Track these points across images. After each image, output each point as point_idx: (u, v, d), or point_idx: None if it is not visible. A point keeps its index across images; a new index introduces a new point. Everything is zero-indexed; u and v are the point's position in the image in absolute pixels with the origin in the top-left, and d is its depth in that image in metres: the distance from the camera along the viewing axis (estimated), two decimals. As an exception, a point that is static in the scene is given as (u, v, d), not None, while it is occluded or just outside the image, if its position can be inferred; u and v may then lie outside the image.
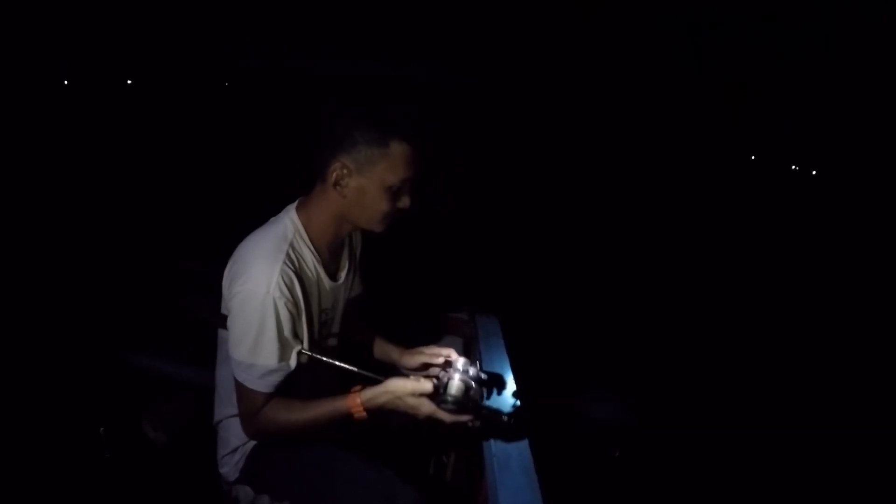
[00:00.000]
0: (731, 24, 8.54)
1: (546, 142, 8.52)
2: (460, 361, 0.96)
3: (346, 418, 0.96)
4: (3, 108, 6.67)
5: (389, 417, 0.96)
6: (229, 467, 1.10)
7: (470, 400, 0.93)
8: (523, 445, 0.96)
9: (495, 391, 1.11)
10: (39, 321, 2.01)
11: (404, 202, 1.03)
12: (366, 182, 0.98)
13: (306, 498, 1.05)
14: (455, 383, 0.92)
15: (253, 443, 1.08)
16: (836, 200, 9.22)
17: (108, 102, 9.13)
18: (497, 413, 0.95)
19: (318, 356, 0.99)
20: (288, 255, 0.97)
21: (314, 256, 1.04)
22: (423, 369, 1.18)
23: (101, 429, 1.25)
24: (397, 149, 0.97)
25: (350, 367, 0.99)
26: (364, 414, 0.95)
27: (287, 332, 0.95)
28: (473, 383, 0.93)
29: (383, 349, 1.28)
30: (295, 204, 1.07)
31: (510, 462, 0.92)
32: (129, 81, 10.60)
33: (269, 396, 0.97)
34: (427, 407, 0.92)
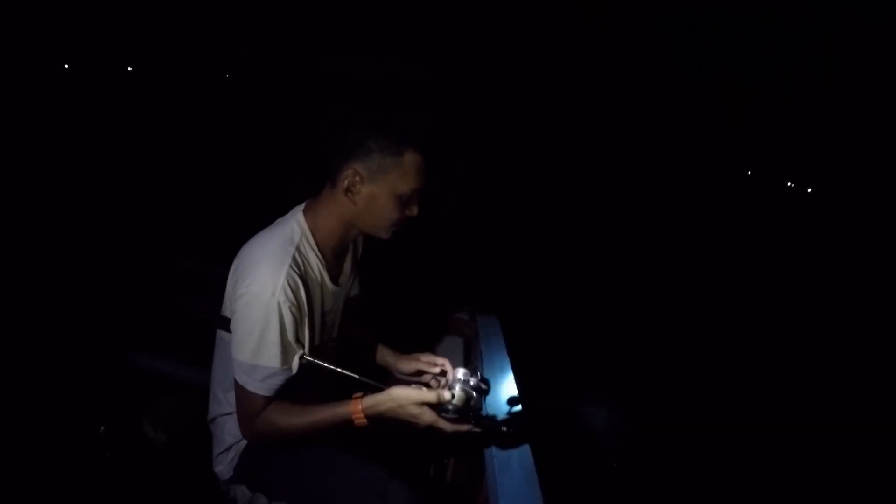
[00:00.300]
0: (731, 24, 8.55)
1: (546, 142, 8.52)
2: (461, 371, 0.96)
3: (346, 424, 0.95)
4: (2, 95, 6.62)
5: (389, 425, 0.96)
6: (223, 465, 1.10)
7: (471, 409, 0.93)
8: (524, 447, 0.96)
9: (496, 397, 1.11)
10: (39, 321, 2.00)
11: (412, 210, 1.03)
12: (377, 190, 0.99)
13: (301, 496, 1.05)
14: (457, 393, 0.92)
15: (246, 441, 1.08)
16: (831, 218, 9.16)
17: (107, 90, 9.00)
18: (497, 421, 0.95)
19: (320, 362, 0.99)
20: (294, 258, 0.96)
21: (319, 260, 1.03)
22: (418, 375, 1.17)
23: (102, 428, 1.24)
24: (410, 159, 0.98)
25: (351, 374, 0.98)
26: (364, 421, 0.94)
27: (290, 335, 0.95)
28: (474, 393, 0.94)
29: (379, 352, 1.27)
30: (302, 206, 1.06)
31: (511, 462, 0.92)
32: (129, 68, 10.54)
33: (270, 400, 0.97)
34: (429, 416, 0.92)
